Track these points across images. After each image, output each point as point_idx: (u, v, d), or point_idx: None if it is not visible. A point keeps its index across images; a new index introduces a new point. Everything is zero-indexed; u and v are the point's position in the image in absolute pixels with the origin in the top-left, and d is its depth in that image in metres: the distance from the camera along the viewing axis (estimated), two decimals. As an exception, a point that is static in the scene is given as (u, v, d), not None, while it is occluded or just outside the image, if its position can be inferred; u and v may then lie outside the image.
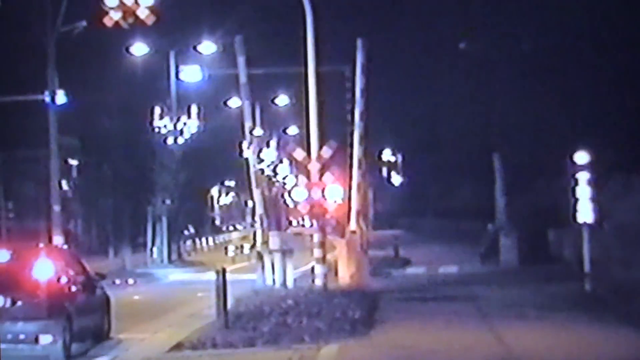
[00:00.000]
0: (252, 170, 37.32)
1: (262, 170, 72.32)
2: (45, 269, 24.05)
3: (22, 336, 21.97)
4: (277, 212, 62.77)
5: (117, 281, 46.80)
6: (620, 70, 43.23)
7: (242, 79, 36.88)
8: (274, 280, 36.58)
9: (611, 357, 20.97)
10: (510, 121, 46.67)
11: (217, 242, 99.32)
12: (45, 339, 22.41)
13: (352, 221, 36.91)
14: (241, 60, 36.86)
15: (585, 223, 33.19)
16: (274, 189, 67.47)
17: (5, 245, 28.52)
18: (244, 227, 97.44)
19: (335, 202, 36.30)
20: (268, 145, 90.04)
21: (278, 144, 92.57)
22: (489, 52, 51.14)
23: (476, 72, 52.39)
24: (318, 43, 33.44)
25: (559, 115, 44.50)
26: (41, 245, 28.32)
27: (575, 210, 33.04)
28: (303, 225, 77.30)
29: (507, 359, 20.67)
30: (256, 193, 37.17)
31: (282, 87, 69.45)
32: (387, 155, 79.29)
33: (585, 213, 32.79)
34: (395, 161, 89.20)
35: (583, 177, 32.78)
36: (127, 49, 55.61)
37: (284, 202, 71.54)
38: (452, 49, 55.58)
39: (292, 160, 48.26)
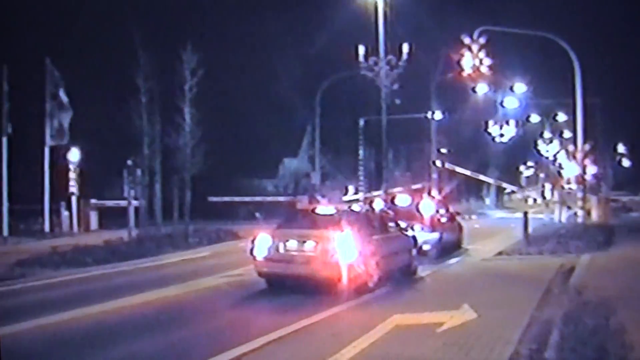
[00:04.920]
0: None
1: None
2: (428, 208, 24.89)
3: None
4: (554, 180, 61.11)
5: (466, 217, 47.05)
6: None
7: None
8: (553, 218, 36.04)
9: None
10: None
11: (522, 197, 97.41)
12: (426, 247, 23.15)
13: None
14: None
15: None
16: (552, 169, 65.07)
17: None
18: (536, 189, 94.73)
19: (589, 174, 34.91)
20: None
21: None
22: None
23: None
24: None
25: None
26: (424, 195, 28.94)
27: None
28: (571, 188, 74.24)
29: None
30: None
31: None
32: (620, 147, 72.48)
33: None
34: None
35: None
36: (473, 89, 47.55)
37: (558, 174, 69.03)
38: None
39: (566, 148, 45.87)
